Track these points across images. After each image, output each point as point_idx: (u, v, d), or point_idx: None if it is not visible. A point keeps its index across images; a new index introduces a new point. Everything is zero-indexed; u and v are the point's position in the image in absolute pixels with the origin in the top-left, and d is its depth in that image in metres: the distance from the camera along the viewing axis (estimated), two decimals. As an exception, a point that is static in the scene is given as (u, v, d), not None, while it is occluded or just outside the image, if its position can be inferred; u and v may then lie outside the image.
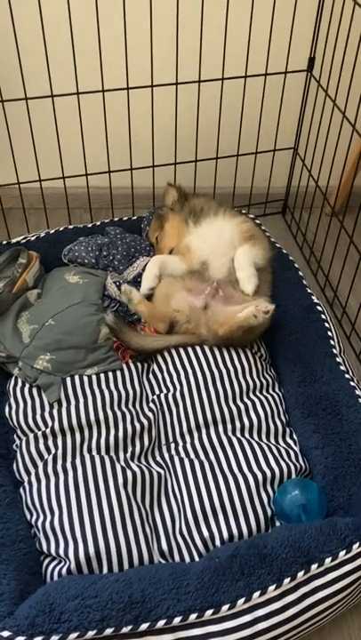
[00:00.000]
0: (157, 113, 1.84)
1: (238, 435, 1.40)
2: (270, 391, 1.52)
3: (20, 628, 1.03)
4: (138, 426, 1.39)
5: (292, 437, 1.44)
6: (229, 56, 1.80)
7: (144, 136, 1.90)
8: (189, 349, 1.53)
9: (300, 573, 1.12)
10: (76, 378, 1.48)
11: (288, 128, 2.06)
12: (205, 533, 1.25)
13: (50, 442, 1.36)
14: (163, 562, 1.24)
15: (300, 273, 1.76)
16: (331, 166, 1.87)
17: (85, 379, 1.48)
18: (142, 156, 1.93)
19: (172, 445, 1.40)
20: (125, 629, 1.05)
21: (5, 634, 1.03)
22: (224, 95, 1.87)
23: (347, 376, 1.48)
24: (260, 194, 2.17)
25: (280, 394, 1.53)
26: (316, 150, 1.96)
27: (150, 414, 1.43)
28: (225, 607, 1.08)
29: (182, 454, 1.37)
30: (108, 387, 1.47)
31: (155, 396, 1.48)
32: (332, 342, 1.56)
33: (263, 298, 1.54)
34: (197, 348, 1.53)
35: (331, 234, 1.97)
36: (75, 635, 1.03)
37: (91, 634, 1.04)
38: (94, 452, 1.34)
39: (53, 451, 1.35)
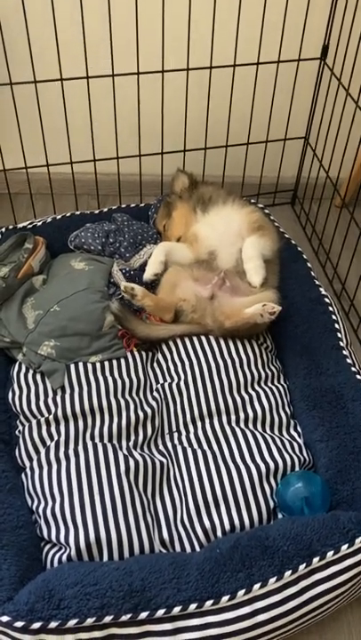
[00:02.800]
0: (167, 99, 1.82)
1: (242, 425, 1.39)
2: (275, 383, 1.51)
3: (19, 614, 1.03)
4: (141, 414, 1.38)
5: (296, 430, 1.44)
6: (242, 42, 1.77)
7: (153, 122, 1.88)
8: (195, 339, 1.52)
9: (302, 566, 1.12)
10: (80, 365, 1.47)
11: (299, 117, 2.04)
12: (207, 524, 1.24)
13: (53, 428, 1.36)
14: (163, 551, 1.24)
15: (309, 264, 1.75)
16: (342, 157, 1.85)
17: (90, 366, 1.47)
18: (151, 142, 1.91)
19: (176, 435, 1.40)
20: (125, 617, 1.05)
21: (4, 619, 1.03)
22: (235, 82, 1.84)
23: (353, 369, 1.47)
24: (269, 183, 2.15)
25: (285, 386, 1.52)
26: (327, 140, 1.93)
27: (154, 403, 1.42)
28: (225, 598, 1.08)
29: (185, 444, 1.36)
30: (112, 374, 1.46)
31: (159, 385, 1.47)
32: (339, 335, 1.55)
33: (271, 290, 1.52)
34: (203, 338, 1.52)
35: (340, 225, 1.95)
36: (74, 621, 1.03)
37: (90, 621, 1.04)
38: (97, 440, 1.34)
39: (56, 437, 1.34)
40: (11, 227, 1.77)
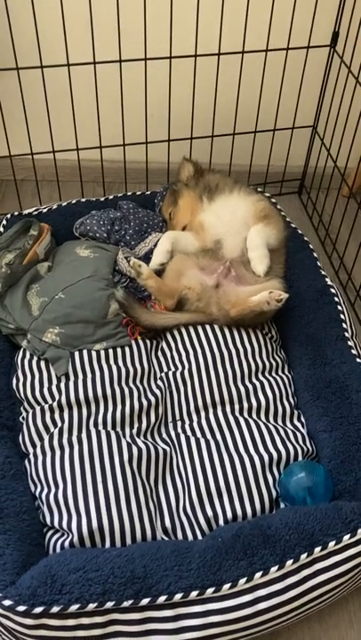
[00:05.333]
0: (175, 86, 1.81)
1: (246, 415, 1.39)
2: (280, 373, 1.50)
3: (21, 598, 1.04)
4: (145, 402, 1.38)
5: (299, 420, 1.43)
6: (250, 29, 1.75)
7: (160, 109, 1.86)
8: (199, 328, 1.52)
9: (303, 555, 1.12)
10: (85, 352, 1.47)
11: (308, 105, 2.01)
12: (209, 512, 1.24)
13: (56, 415, 1.36)
14: (165, 539, 1.24)
15: (315, 254, 1.74)
16: (350, 146, 1.83)
17: (94, 353, 1.47)
18: (158, 129, 1.90)
19: (179, 423, 1.40)
20: (126, 603, 1.05)
21: (7, 603, 1.04)
22: (244, 69, 1.82)
23: (358, 360, 1.46)
24: (276, 172, 2.14)
25: (289, 376, 1.51)
26: (336, 129, 1.91)
27: (158, 391, 1.42)
28: (226, 586, 1.08)
29: (189, 432, 1.36)
30: (116, 362, 1.46)
31: (163, 374, 1.47)
32: (344, 325, 1.54)
33: (276, 280, 1.51)
34: (207, 327, 1.52)
35: (347, 216, 1.94)
36: (75, 606, 1.04)
37: (91, 606, 1.04)
38: (100, 427, 1.34)
39: (60, 424, 1.35)
40: (16, 213, 1.77)
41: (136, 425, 1.36)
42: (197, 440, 1.34)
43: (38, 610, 1.03)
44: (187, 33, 1.72)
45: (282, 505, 1.28)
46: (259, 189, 1.90)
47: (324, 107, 2.01)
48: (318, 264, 1.70)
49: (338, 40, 1.87)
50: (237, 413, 1.39)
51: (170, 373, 1.46)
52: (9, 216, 1.76)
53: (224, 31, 1.73)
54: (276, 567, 1.10)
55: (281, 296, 1.42)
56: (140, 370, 1.46)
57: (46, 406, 1.37)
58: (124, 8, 1.64)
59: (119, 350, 1.49)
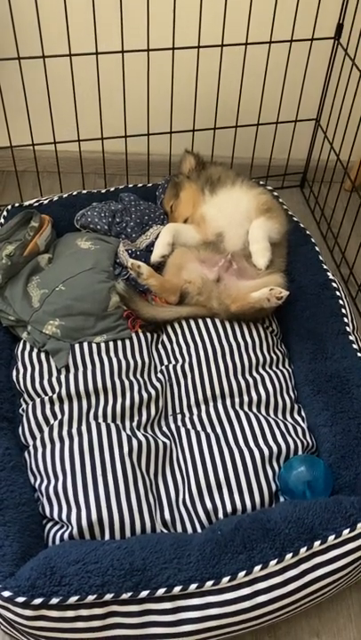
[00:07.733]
0: (177, 77, 1.79)
1: (246, 409, 1.39)
2: (280, 367, 1.50)
3: (20, 589, 1.04)
4: (145, 395, 1.38)
5: (300, 414, 1.43)
6: (254, 20, 1.73)
7: (162, 101, 1.85)
8: (200, 321, 1.52)
9: (303, 549, 1.12)
10: (85, 345, 1.47)
11: (311, 98, 2.00)
12: (209, 505, 1.24)
13: (56, 407, 1.36)
14: (165, 531, 1.24)
15: (317, 248, 1.73)
16: (353, 140, 1.82)
17: (94, 346, 1.47)
18: (160, 121, 1.89)
19: (179, 416, 1.40)
20: (125, 596, 1.06)
21: (6, 594, 1.04)
22: (247, 61, 1.81)
23: (359, 354, 1.46)
24: (278, 165, 2.13)
25: (290, 370, 1.51)
26: (339, 122, 1.90)
27: (158, 384, 1.42)
28: (225, 579, 1.08)
29: (189, 426, 1.36)
30: (116, 355, 1.46)
31: (163, 367, 1.47)
32: (345, 320, 1.54)
33: (278, 274, 1.51)
34: (208, 321, 1.51)
35: (350, 210, 1.93)
36: (75, 598, 1.04)
37: (90, 598, 1.05)
38: (100, 420, 1.34)
39: (59, 416, 1.35)
40: (17, 204, 1.76)
41: (136, 418, 1.36)
42: (197, 433, 1.34)
43: (37, 601, 1.03)
44: (190, 24, 1.71)
45: (281, 499, 1.28)
46: (261, 182, 1.89)
47: (327, 100, 1.99)
48: (320, 258, 1.70)
49: (342, 32, 1.86)
50: (238, 407, 1.39)
51: (170, 366, 1.46)
52: (9, 207, 1.75)
53: (227, 22, 1.71)
54: (276, 561, 1.11)
55: (281, 294, 1.42)
56: (141, 363, 1.46)
57: (46, 398, 1.37)
58: (127, -2, 1.62)
59: (120, 343, 1.49)
